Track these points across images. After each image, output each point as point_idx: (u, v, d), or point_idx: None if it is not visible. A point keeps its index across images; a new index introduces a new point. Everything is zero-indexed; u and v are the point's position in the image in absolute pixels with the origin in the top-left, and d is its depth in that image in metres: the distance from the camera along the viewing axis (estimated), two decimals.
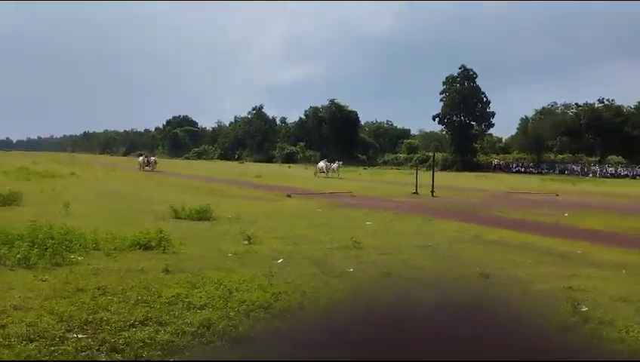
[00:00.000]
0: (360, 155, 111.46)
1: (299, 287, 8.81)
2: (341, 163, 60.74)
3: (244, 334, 6.65)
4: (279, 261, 11.22)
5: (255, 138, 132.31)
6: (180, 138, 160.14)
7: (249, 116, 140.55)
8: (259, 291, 8.42)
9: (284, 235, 14.91)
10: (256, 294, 8.21)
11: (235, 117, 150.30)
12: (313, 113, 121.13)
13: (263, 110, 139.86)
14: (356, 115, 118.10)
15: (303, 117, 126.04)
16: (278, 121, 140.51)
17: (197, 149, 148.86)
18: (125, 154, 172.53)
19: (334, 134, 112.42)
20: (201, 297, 8.04)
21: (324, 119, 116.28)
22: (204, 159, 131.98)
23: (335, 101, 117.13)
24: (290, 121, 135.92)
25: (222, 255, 11.83)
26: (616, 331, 7.11)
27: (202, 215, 18.08)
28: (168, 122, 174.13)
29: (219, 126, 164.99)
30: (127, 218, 17.38)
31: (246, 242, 13.33)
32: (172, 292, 8.23)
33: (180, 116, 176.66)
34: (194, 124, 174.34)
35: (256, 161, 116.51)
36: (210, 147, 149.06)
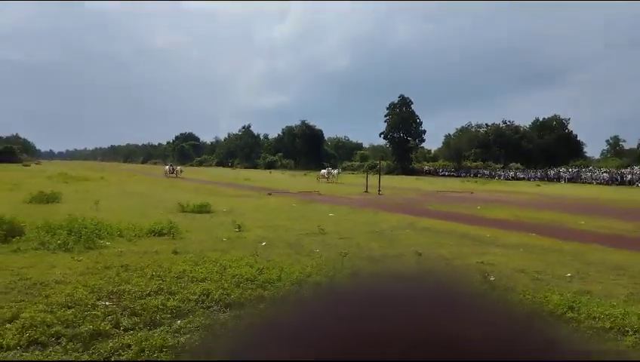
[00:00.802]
0: (324, 163, 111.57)
1: (277, 264, 8.77)
2: (339, 170, 56.33)
3: (235, 300, 6.61)
4: (263, 244, 11.17)
5: (244, 150, 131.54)
6: (186, 150, 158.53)
7: (239, 133, 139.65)
8: (247, 267, 8.37)
9: (267, 224, 14.84)
10: (244, 269, 8.16)
11: (229, 133, 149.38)
12: (288, 131, 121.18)
13: (250, 128, 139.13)
14: (321, 132, 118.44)
15: (281, 133, 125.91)
16: (261, 137, 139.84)
17: (199, 158, 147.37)
18: (143, 162, 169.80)
19: (305, 147, 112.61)
20: (201, 272, 7.96)
21: (297, 135, 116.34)
22: (204, 166, 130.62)
23: (305, 121, 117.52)
24: (271, 137, 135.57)
25: (218, 240, 11.72)
26: (517, 295, 7.22)
27: (203, 209, 17.90)
28: (177, 137, 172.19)
29: (216, 140, 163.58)
30: (144, 212, 17.12)
31: (237, 230, 13.24)
32: (179, 269, 8.13)
33: (185, 132, 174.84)
34: (196, 138, 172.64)
35: (245, 167, 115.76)
36: (209, 156, 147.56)
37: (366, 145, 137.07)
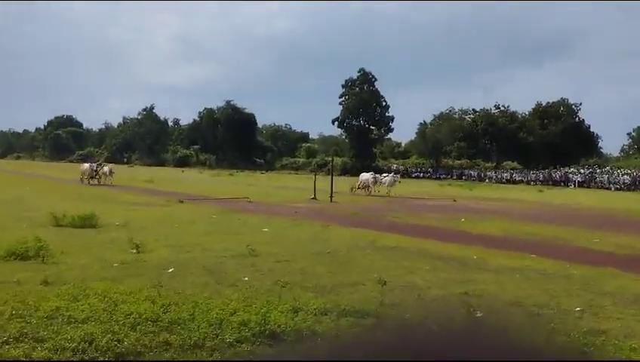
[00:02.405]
0: (257, 159, 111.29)
1: (190, 298, 8.67)
2: (398, 176, 44.95)
3: (130, 349, 6.48)
4: (169, 270, 11.02)
5: (145, 140, 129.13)
6: (63, 139, 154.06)
7: (139, 117, 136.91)
8: (147, 303, 8.23)
9: (176, 243, 14.67)
10: (143, 306, 8.01)
11: (124, 118, 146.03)
12: (208, 115, 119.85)
13: (154, 111, 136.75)
14: (253, 117, 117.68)
15: (198, 119, 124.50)
16: (170, 123, 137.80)
17: (82, 152, 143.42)
18: (2, 156, 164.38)
19: (230, 137, 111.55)
20: (83, 310, 7.76)
21: (220, 121, 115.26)
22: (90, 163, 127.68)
23: (231, 102, 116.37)
24: (184, 123, 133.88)
25: (107, 264, 11.49)
26: (511, 337, 7.39)
27: (86, 222, 17.50)
28: (50, 122, 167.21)
29: (106, 127, 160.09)
30: (0, 225, 16.58)
31: (134, 250, 13.01)
32: (51, 306, 7.91)
33: (63, 116, 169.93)
34: (78, 124, 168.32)
35: (146, 164, 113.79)
36: (97, 150, 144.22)
37: (314, 135, 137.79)
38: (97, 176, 43.91)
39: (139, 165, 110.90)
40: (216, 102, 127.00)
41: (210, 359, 6.42)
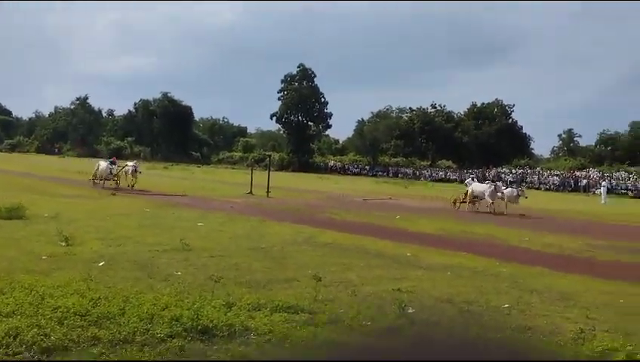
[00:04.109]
0: (193, 153, 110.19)
1: (121, 292, 8.53)
2: (523, 189, 34.07)
3: (57, 343, 6.34)
4: (100, 264, 10.83)
5: (78, 131, 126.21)
6: None
7: (72, 107, 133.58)
8: (75, 296, 8.06)
9: (107, 236, 14.41)
10: (72, 300, 7.85)
11: (56, 107, 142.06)
12: (143, 106, 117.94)
13: (88, 101, 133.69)
14: (190, 110, 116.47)
15: (133, 110, 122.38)
16: (104, 114, 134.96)
17: (11, 141, 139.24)
18: None
19: (166, 129, 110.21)
20: (8, 304, 7.56)
21: (156, 113, 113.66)
22: (18, 152, 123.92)
23: (168, 94, 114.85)
24: (118, 114, 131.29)
25: (35, 257, 11.21)
26: (441, 332, 7.55)
27: (13, 213, 17.00)
28: None
29: (37, 116, 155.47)
30: None
31: (63, 243, 12.74)
32: None
33: None
34: (7, 112, 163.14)
35: (79, 155, 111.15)
36: (26, 139, 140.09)
37: (252, 130, 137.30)
38: (116, 178, 33.58)
39: (71, 156, 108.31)
40: (152, 94, 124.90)
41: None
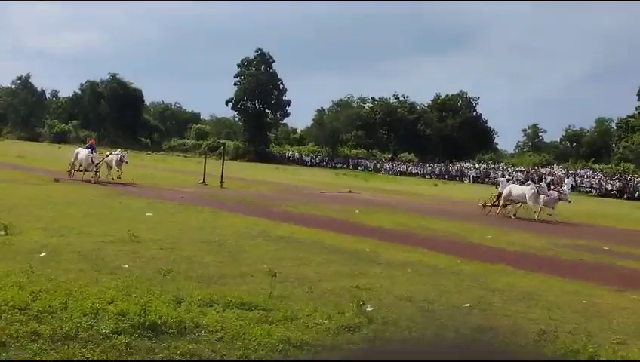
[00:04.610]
0: (143, 139, 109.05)
1: (63, 285, 8.41)
2: (565, 192, 28.14)
3: None
4: (41, 255, 10.65)
5: (19, 112, 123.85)
6: None
7: (12, 86, 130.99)
8: (14, 289, 7.94)
9: (49, 225, 14.18)
10: (10, 293, 7.73)
11: None
12: (91, 88, 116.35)
13: (30, 80, 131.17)
14: (141, 93, 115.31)
15: (79, 92, 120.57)
16: (48, 95, 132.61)
17: None
18: None
19: (114, 113, 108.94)
20: None
21: (103, 95, 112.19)
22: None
23: (117, 76, 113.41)
24: (63, 96, 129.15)
25: None
26: (399, 331, 7.62)
27: None
28: None
29: None
30: None
31: (2, 232, 12.49)
32: None
33: None
34: None
35: (19, 138, 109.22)
36: None
37: (205, 116, 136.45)
38: (96, 169, 29.67)
39: (10, 139, 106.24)
40: (100, 75, 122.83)
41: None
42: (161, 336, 6.73)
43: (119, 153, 31.26)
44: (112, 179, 29.85)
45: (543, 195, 26.59)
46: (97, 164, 29.58)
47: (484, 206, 28.14)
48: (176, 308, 7.68)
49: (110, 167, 30.82)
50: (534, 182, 29.85)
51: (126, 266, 10.28)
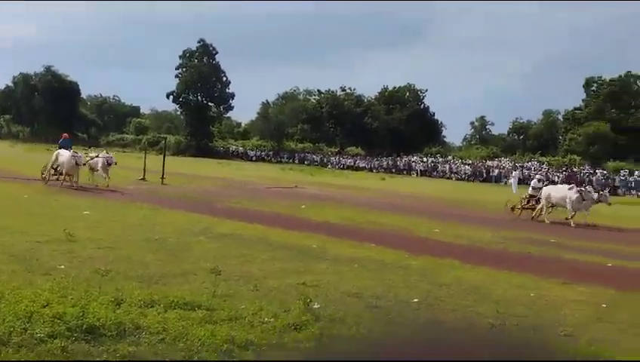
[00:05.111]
0: (80, 133, 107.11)
1: None
2: (605, 193, 27.17)
3: None
4: None
5: None
6: None
7: None
8: None
9: None
10: None
11: None
12: (23, 80, 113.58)
13: None
14: (77, 85, 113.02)
15: (11, 85, 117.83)
16: None
17: None
18: None
19: (49, 107, 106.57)
20: None
21: (37, 88, 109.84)
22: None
23: (51, 68, 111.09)
24: None
25: None
26: (347, 328, 7.65)
27: None
28: None
29: None
30: None
31: None
32: None
33: None
34: None
35: None
36: None
37: (145, 110, 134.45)
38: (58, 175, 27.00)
39: None
40: (33, 67, 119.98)
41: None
42: (99, 339, 6.62)
43: (105, 155, 28.62)
44: (97, 185, 27.08)
45: (587, 201, 24.45)
46: (81, 166, 26.68)
47: (513, 209, 26.59)
48: (116, 310, 7.56)
49: (94, 170, 28.20)
50: (578, 184, 27.13)
51: (62, 267, 10.11)
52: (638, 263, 15.07)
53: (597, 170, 61.09)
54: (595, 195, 25.30)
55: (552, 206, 25.45)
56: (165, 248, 12.77)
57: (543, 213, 25.43)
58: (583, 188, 25.30)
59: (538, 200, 26.08)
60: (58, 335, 6.58)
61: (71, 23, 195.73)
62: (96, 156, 28.47)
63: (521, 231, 20.72)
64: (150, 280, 9.64)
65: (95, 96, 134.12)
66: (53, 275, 9.38)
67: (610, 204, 25.49)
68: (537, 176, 31.99)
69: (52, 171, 27.12)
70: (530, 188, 27.37)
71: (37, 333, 6.54)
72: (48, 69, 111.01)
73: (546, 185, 27.83)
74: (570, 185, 26.15)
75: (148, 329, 6.98)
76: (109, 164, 28.04)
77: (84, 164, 26.81)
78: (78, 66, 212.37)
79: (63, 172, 26.42)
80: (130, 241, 13.23)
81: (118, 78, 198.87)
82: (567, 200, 24.51)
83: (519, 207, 26.62)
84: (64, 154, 26.71)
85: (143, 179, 32.25)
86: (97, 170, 27.87)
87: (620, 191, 54.44)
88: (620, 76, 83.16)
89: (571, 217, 24.37)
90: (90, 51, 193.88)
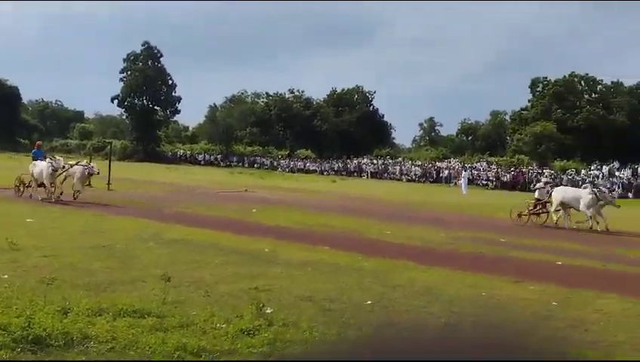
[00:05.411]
0: (22, 139, 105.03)
1: None
2: (613, 195, 27.45)
3: None
4: None
5: None
6: None
7: None
8: None
9: None
10: None
11: None
12: None
13: None
14: (17, 90, 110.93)
15: None
16: None
17: None
18: None
19: None
20: None
21: None
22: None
23: None
24: None
25: None
26: (300, 332, 7.64)
27: None
28: None
29: None
30: None
31: None
32: None
33: None
34: None
35: None
36: None
37: (90, 114, 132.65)
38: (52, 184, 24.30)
39: None
40: None
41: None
42: (46, 349, 6.50)
43: (86, 164, 25.90)
44: (75, 196, 24.62)
45: (602, 201, 23.38)
46: (61, 170, 24.23)
47: (520, 216, 25.16)
48: (63, 319, 7.41)
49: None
50: (593, 185, 26.31)
51: (5, 276, 9.87)
52: (588, 261, 15.42)
53: (544, 170, 62.19)
54: (609, 196, 24.52)
55: (564, 208, 24.27)
56: (113, 255, 12.58)
57: (559, 217, 24.44)
58: (598, 189, 24.35)
59: (544, 205, 25.32)
60: (3, 346, 6.44)
61: (8, 27, 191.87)
62: (76, 164, 25.88)
63: (470, 231, 20.97)
64: (98, 288, 9.49)
65: (37, 101, 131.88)
66: None
67: (618, 207, 24.35)
68: (543, 179, 30.24)
69: (35, 185, 24.84)
70: (537, 193, 26.35)
71: None
72: None
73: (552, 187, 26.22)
74: (585, 186, 25.40)
75: (96, 339, 6.86)
76: (90, 174, 25.65)
77: (64, 168, 24.48)
78: (18, 71, 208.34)
79: (46, 184, 24.11)
80: (77, 249, 12.99)
81: (61, 83, 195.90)
82: (581, 200, 23.46)
83: (526, 213, 25.32)
84: (40, 165, 24.57)
85: (89, 185, 31.70)
86: (77, 180, 24.99)
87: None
88: (565, 77, 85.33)
89: (590, 219, 23.24)
90: (31, 56, 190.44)
